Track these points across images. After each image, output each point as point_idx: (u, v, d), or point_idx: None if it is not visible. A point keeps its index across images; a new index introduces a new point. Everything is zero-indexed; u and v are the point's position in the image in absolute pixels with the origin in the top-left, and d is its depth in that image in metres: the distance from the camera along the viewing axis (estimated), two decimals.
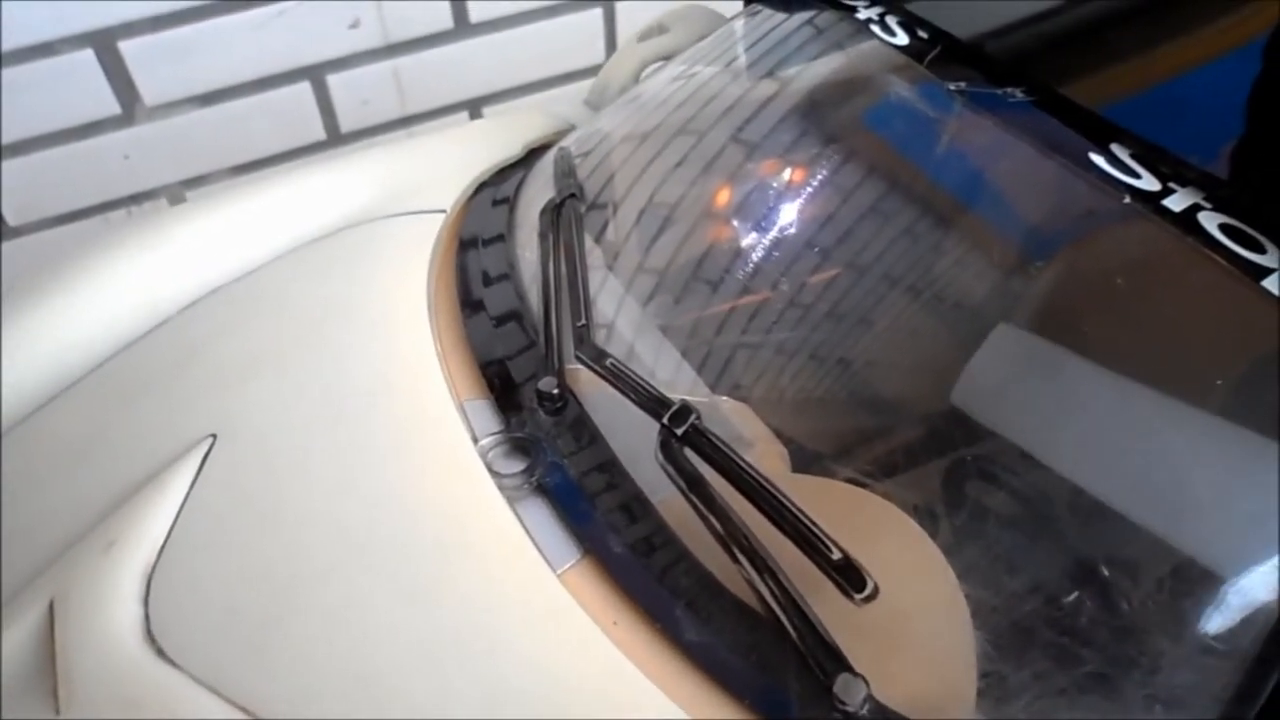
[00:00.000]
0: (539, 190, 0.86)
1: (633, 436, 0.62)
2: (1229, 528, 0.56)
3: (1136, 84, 0.69)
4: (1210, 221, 0.58)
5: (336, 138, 1.45)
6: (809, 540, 0.54)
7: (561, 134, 1.01)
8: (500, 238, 0.83)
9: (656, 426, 0.60)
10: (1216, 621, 0.53)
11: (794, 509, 0.55)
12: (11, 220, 1.32)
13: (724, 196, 0.80)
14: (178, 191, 1.40)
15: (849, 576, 0.52)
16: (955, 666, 0.54)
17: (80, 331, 0.78)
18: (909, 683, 0.52)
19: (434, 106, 1.49)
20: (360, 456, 0.64)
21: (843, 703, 0.49)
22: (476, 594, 0.56)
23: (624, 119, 0.91)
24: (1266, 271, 0.55)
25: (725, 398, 0.68)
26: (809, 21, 0.87)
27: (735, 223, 0.79)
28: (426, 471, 0.63)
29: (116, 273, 0.82)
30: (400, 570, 0.58)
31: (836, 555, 0.53)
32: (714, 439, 0.59)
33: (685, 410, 0.60)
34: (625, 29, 1.51)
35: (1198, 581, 0.54)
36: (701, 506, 0.57)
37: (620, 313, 0.74)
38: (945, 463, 0.63)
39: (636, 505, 0.60)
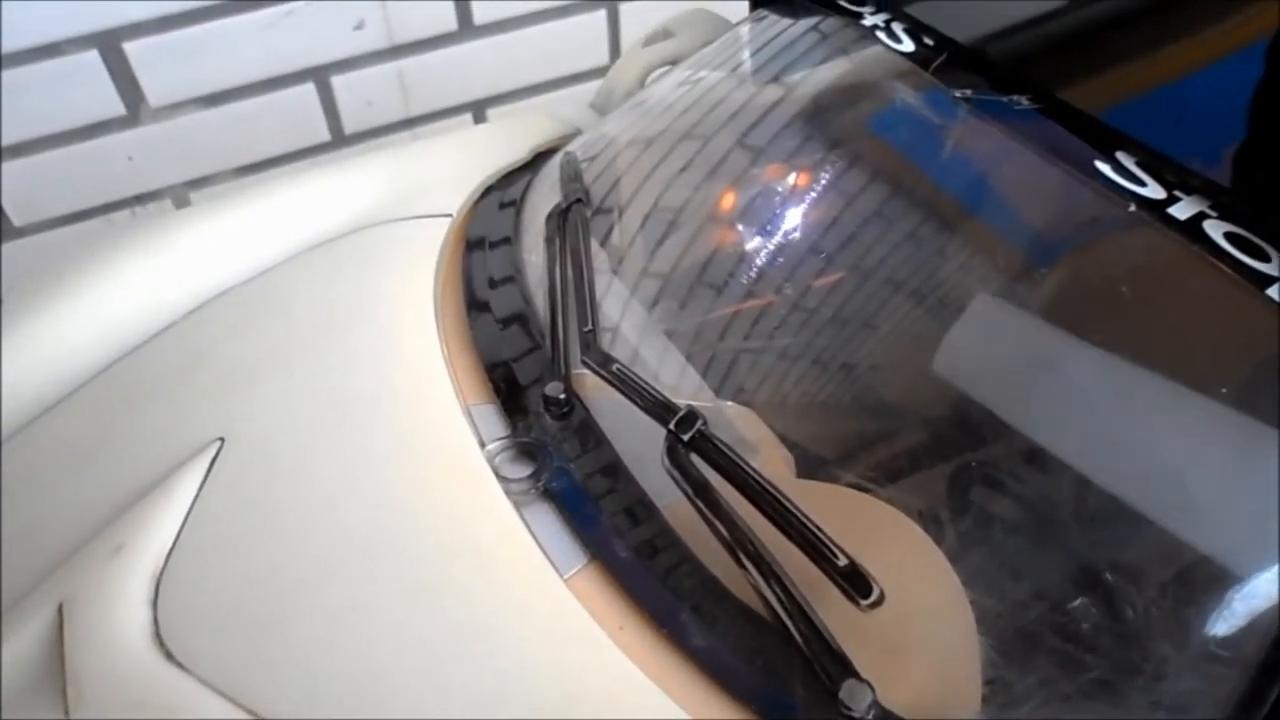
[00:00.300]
0: (545, 195, 0.86)
1: (639, 441, 0.62)
2: (1234, 534, 0.56)
3: (1139, 86, 0.69)
4: (1215, 230, 0.58)
5: (341, 139, 1.45)
6: (815, 546, 0.54)
7: (567, 138, 1.01)
8: (506, 242, 0.83)
9: (663, 432, 0.60)
10: (1221, 627, 0.53)
11: (800, 515, 0.55)
12: (15, 220, 1.33)
13: (729, 202, 0.80)
14: (182, 192, 1.41)
15: (855, 582, 0.52)
16: (960, 672, 0.54)
17: (84, 335, 0.79)
18: (914, 688, 0.52)
19: (438, 108, 1.49)
20: (367, 460, 0.64)
21: (849, 708, 0.49)
22: (482, 598, 0.57)
23: (629, 124, 0.91)
24: (1271, 280, 0.56)
25: (731, 403, 0.68)
26: (814, 27, 0.87)
27: (740, 228, 0.79)
28: (433, 475, 0.63)
29: (121, 276, 0.82)
30: (407, 574, 0.58)
31: (843, 561, 0.53)
32: (720, 444, 0.59)
33: (691, 415, 0.60)
34: (628, 31, 1.51)
35: (1202, 588, 0.55)
36: (708, 512, 0.57)
37: (626, 318, 0.74)
38: (950, 468, 0.63)
39: (643, 510, 0.61)
